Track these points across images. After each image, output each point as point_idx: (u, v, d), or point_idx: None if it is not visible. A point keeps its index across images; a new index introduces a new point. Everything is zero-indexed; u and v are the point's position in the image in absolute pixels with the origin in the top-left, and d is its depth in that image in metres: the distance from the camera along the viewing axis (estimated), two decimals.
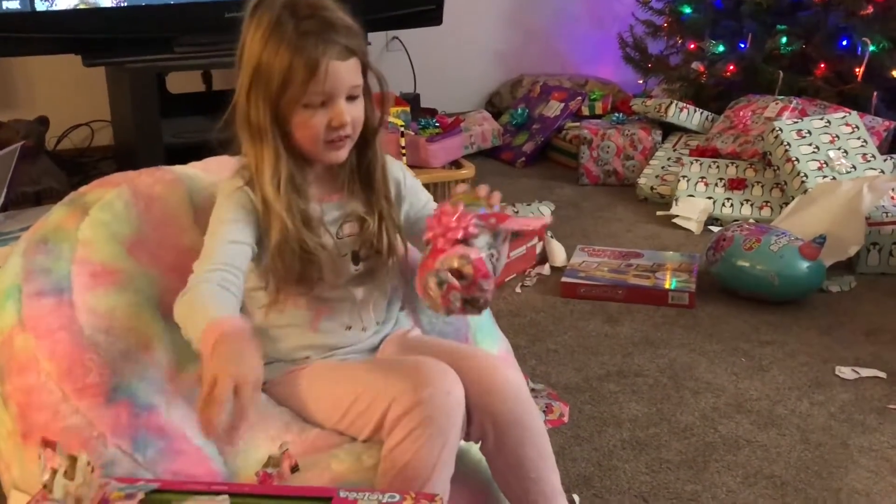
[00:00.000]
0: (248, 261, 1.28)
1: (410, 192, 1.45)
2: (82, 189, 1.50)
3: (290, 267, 1.30)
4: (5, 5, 2.83)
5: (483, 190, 1.24)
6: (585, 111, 3.90)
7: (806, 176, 2.87)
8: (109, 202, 1.44)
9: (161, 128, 3.02)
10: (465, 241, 1.18)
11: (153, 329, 1.37)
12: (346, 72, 1.28)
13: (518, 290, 2.57)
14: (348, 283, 1.37)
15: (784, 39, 3.53)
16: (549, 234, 2.80)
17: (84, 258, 1.37)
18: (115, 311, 1.33)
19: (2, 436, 1.29)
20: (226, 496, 1.11)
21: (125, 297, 1.36)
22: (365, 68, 1.32)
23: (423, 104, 3.85)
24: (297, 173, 1.32)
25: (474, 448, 1.34)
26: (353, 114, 1.30)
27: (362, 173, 1.38)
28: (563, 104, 3.85)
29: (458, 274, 1.16)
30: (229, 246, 1.27)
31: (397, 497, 1.11)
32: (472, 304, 1.18)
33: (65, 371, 1.23)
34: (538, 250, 2.76)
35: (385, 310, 1.45)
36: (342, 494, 1.11)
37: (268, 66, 1.27)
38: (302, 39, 1.25)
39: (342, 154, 1.33)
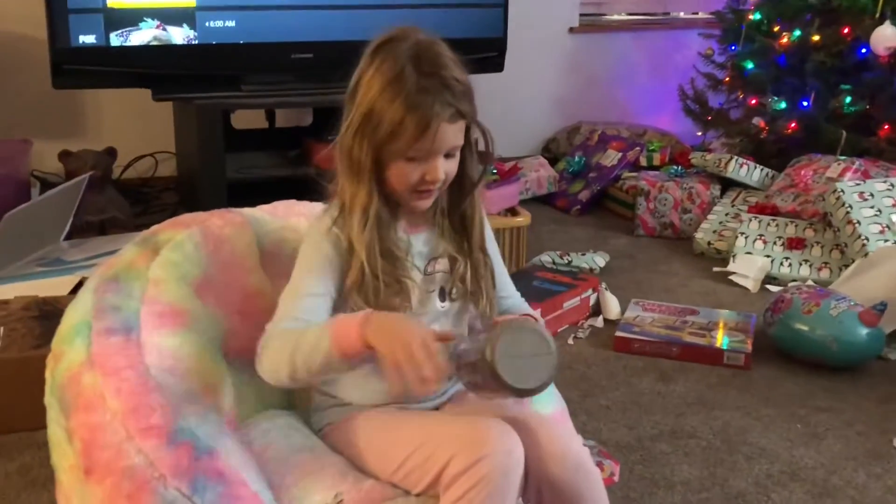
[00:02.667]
0: (326, 312, 1.30)
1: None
2: (154, 228, 1.53)
3: (367, 301, 1.30)
4: (82, 39, 2.92)
5: None
6: (643, 161, 3.91)
7: (867, 239, 2.84)
8: (180, 243, 1.47)
9: (225, 163, 3.08)
10: None
11: (216, 372, 1.39)
12: (452, 133, 1.30)
13: (570, 341, 2.56)
14: (432, 321, 1.37)
15: (848, 99, 3.51)
16: (604, 285, 2.80)
17: (153, 298, 1.40)
18: (181, 352, 1.35)
19: (63, 468, 1.31)
20: None
21: (191, 338, 1.38)
22: (469, 126, 1.34)
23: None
24: (386, 210, 1.34)
25: None
26: (447, 169, 1.32)
27: (455, 218, 1.40)
28: (621, 154, 3.86)
29: None
30: (307, 300, 1.30)
31: None
32: None
33: (130, 410, 1.25)
34: (592, 302, 2.75)
35: None
36: None
37: (380, 113, 1.28)
38: (420, 97, 1.26)
39: (427, 203, 1.35)
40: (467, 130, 1.35)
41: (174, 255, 1.45)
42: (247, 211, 1.60)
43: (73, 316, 1.40)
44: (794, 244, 3.06)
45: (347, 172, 1.33)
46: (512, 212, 3.13)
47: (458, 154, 1.34)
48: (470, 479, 1.19)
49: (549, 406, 1.59)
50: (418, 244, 1.38)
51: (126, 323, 1.35)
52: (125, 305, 1.38)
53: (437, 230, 1.40)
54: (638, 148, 3.89)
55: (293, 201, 1.67)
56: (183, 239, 1.48)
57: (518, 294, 1.52)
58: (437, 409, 1.43)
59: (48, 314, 2.07)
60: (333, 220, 1.34)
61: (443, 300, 1.39)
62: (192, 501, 1.20)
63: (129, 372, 1.29)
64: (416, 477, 1.28)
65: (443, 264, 1.39)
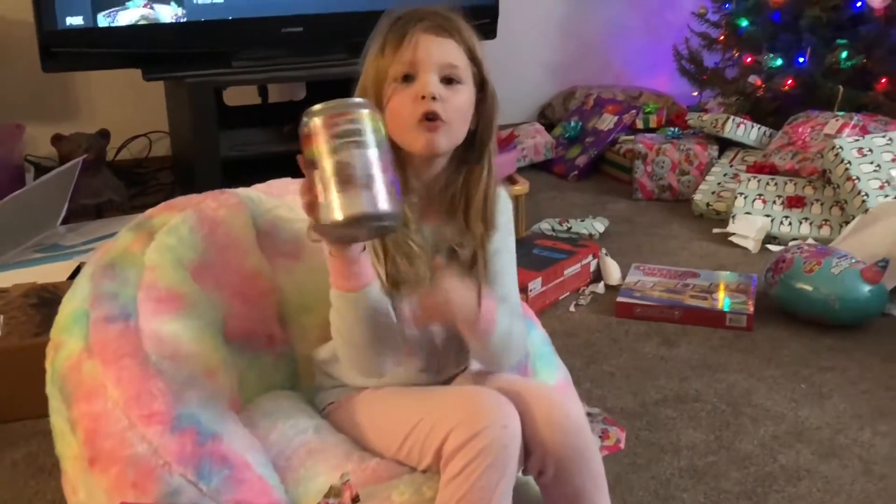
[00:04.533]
0: None
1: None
2: (148, 212, 1.52)
3: (393, 260, 1.29)
4: (69, 21, 2.88)
5: None
6: (639, 124, 3.87)
7: (867, 195, 2.82)
8: (175, 227, 1.46)
9: (219, 141, 3.05)
10: None
11: (216, 355, 1.39)
12: (437, 46, 1.27)
13: (572, 308, 2.55)
14: None
15: (844, 54, 3.47)
16: (604, 251, 2.78)
17: (150, 283, 1.39)
18: (180, 337, 1.35)
19: (68, 458, 1.31)
20: None
21: (189, 322, 1.38)
22: (477, 69, 1.31)
23: None
24: (400, 174, 1.28)
25: (532, 482, 1.33)
26: (446, 96, 1.27)
27: (472, 202, 1.34)
28: (616, 117, 3.83)
29: None
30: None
31: None
32: None
33: (131, 398, 1.24)
34: (592, 268, 2.74)
35: (465, 356, 1.43)
36: None
37: (369, 53, 1.31)
38: (401, 19, 1.30)
39: (435, 139, 1.27)
40: (481, 96, 1.32)
41: (169, 239, 1.44)
42: (241, 191, 1.59)
43: (71, 304, 1.39)
44: (794, 202, 3.05)
45: None
46: (510, 180, 3.11)
47: (461, 88, 1.28)
48: (469, 453, 1.19)
49: (553, 376, 1.59)
50: (426, 234, 1.33)
51: (124, 310, 1.35)
52: (122, 292, 1.37)
53: (445, 217, 1.34)
54: (634, 111, 3.86)
55: (288, 179, 1.65)
56: (178, 222, 1.47)
57: (516, 303, 1.41)
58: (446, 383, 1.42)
59: (47, 301, 2.06)
60: None
61: None
62: (198, 487, 1.20)
63: (128, 360, 1.28)
64: (418, 453, 1.28)
65: (443, 259, 1.34)
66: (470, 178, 1.34)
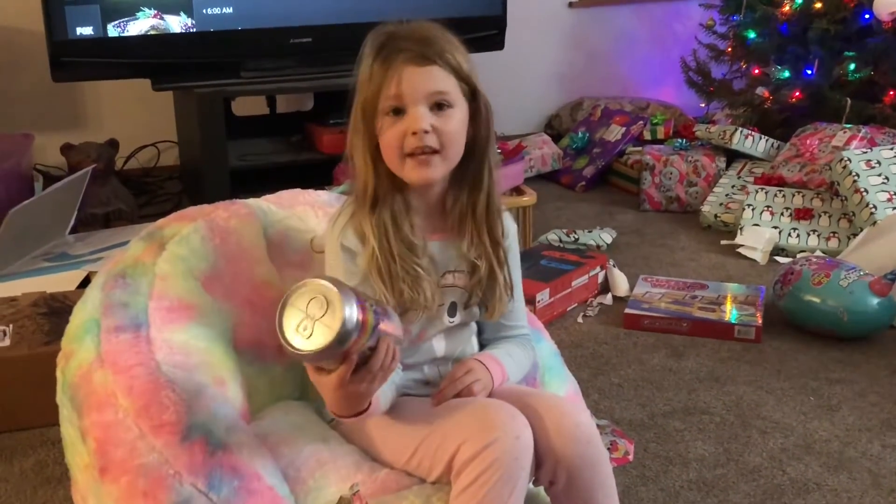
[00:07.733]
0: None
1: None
2: (160, 222, 1.52)
3: (385, 285, 1.27)
4: (79, 31, 2.90)
5: None
6: (647, 135, 3.87)
7: (875, 207, 2.82)
8: (186, 237, 1.46)
9: (227, 151, 3.06)
10: None
11: (226, 364, 1.39)
12: (422, 77, 1.26)
13: (580, 320, 2.55)
14: (435, 335, 1.37)
15: (852, 66, 3.48)
16: (612, 262, 2.78)
17: (161, 293, 1.39)
18: (191, 347, 1.35)
19: (78, 467, 1.31)
20: None
21: (200, 332, 1.38)
22: (466, 85, 1.30)
23: None
24: (396, 198, 1.31)
25: (543, 493, 1.33)
26: (438, 124, 1.27)
27: (476, 213, 1.34)
28: (624, 128, 3.83)
29: None
30: None
31: None
32: None
33: (142, 408, 1.25)
34: (600, 279, 2.74)
35: None
36: None
37: (359, 78, 1.30)
38: (384, 47, 1.28)
39: (429, 172, 1.28)
40: (474, 107, 1.31)
41: (180, 249, 1.44)
42: (252, 201, 1.59)
43: (82, 314, 1.39)
44: (802, 214, 3.05)
45: (351, 154, 1.32)
46: (517, 191, 3.11)
47: (452, 112, 1.28)
48: (480, 465, 1.19)
49: (562, 388, 1.59)
50: (435, 251, 1.34)
51: (135, 319, 1.35)
52: (133, 302, 1.37)
53: (455, 234, 1.35)
54: (641, 122, 3.86)
55: (298, 190, 1.66)
56: (189, 232, 1.47)
57: (525, 327, 1.47)
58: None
59: (57, 310, 2.07)
60: (342, 228, 1.31)
61: (452, 315, 1.37)
62: (209, 497, 1.20)
63: (139, 369, 1.28)
64: (428, 465, 1.28)
65: (459, 279, 1.36)
66: (473, 191, 1.34)
